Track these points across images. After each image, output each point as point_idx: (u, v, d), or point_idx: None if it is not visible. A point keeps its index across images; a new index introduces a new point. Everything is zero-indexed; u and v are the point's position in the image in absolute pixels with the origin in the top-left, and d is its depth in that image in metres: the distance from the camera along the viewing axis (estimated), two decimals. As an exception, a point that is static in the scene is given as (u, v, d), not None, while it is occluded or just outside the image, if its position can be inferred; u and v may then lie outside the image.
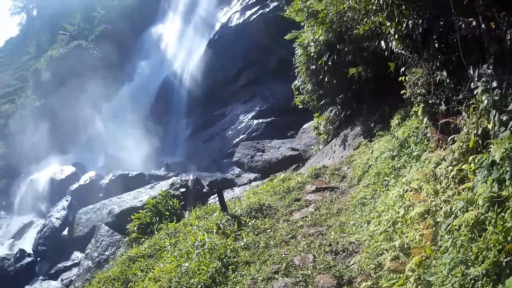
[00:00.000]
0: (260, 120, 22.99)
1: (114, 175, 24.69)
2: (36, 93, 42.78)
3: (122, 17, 42.71)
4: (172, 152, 27.80)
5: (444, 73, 5.81)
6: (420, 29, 6.12)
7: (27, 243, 23.81)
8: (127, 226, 12.53)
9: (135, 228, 12.11)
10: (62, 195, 25.52)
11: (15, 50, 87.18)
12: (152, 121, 29.98)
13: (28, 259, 20.87)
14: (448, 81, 5.77)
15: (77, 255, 19.30)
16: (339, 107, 12.09)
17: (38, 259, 21.10)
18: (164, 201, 13.04)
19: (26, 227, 28.43)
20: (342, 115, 11.91)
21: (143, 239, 10.41)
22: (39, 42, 69.24)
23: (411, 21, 6.32)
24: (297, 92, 14.26)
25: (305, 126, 16.99)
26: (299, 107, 14.15)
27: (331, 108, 12.51)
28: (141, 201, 15.22)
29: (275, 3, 24.88)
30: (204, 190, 17.79)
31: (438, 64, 5.89)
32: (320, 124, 13.43)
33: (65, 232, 21.29)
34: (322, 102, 12.81)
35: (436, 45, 5.85)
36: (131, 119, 30.81)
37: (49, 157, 33.90)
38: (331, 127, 12.62)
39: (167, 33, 37.37)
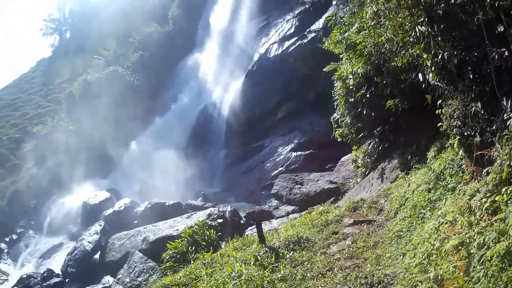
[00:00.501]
0: (299, 153, 23.24)
1: (150, 203, 25.12)
2: (70, 117, 43.80)
3: (158, 45, 43.96)
4: (210, 183, 28.18)
5: (479, 104, 5.95)
6: (455, 60, 6.34)
7: (56, 264, 24.50)
8: (162, 254, 12.71)
9: (170, 257, 12.32)
10: (94, 219, 26.14)
11: (47, 71, 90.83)
12: (190, 151, 30.40)
13: (56, 279, 21.44)
14: (482, 112, 5.89)
15: (108, 279, 19.57)
16: (377, 139, 12.30)
17: (67, 280, 21.60)
18: (201, 231, 13.17)
19: (55, 248, 29.35)
20: (380, 148, 12.10)
21: (178, 267, 10.64)
22: (73, 65, 71.58)
23: (446, 53, 6.55)
24: (336, 125, 14.44)
25: (343, 159, 17.27)
26: (338, 140, 14.37)
27: (369, 141, 12.72)
28: (177, 230, 15.54)
29: (313, 34, 25.40)
30: (242, 221, 17.94)
31: (472, 96, 6.05)
32: (358, 157, 13.61)
33: (97, 256, 21.72)
34: (360, 135, 12.98)
35: (471, 76, 6.03)
36: (168, 148, 31.40)
37: (82, 181, 34.88)
38: (369, 160, 12.80)
39: (205, 62, 38.28)
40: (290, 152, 23.80)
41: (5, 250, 33.36)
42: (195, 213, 18.00)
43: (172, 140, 32.56)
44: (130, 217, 25.52)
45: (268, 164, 24.56)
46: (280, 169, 23.16)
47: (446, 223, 6.14)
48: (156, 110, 38.44)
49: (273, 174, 23.17)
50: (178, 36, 44.55)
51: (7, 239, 35.40)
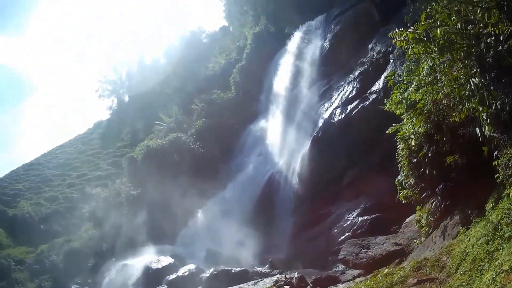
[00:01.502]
0: (365, 217, 23.64)
1: (215, 269, 25.66)
2: (132, 181, 45.31)
3: (222, 112, 45.59)
4: (277, 249, 28.52)
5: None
6: (507, 108, 7.06)
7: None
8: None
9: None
10: (156, 284, 27.06)
11: (106, 134, 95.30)
12: (257, 218, 31.22)
13: None
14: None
15: None
16: (439, 197, 12.78)
17: None
18: (268, 297, 13.77)
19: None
20: (442, 205, 12.56)
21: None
22: (134, 129, 74.88)
23: (499, 101, 7.31)
24: (400, 187, 14.99)
25: (407, 220, 17.71)
26: (403, 202, 14.95)
27: (432, 200, 13.21)
28: (243, 297, 16.12)
29: (374, 95, 26.35)
30: (308, 287, 18.44)
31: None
32: (422, 217, 14.02)
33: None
34: (423, 195, 13.55)
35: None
36: (234, 215, 32.52)
37: (145, 245, 35.93)
38: (432, 219, 13.22)
39: (270, 129, 39.68)
40: (357, 217, 24.22)
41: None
42: (261, 280, 18.68)
43: (239, 208, 33.68)
44: (194, 283, 25.98)
45: (335, 230, 24.98)
46: (347, 234, 23.59)
47: (502, 273, 6.68)
48: (222, 177, 39.46)
49: (340, 239, 23.60)
50: (241, 102, 46.30)
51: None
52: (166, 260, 30.92)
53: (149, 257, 32.88)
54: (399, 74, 14.84)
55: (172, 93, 66.29)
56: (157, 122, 55.73)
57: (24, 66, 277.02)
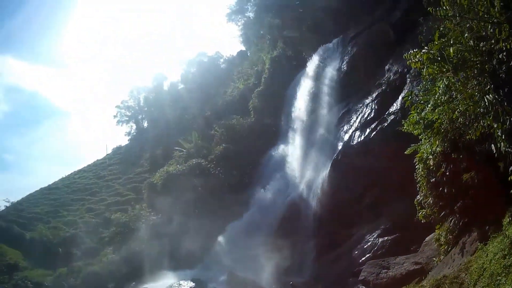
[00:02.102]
0: (385, 238, 23.76)
1: (237, 293, 25.75)
2: (152, 207, 46.17)
3: (241, 137, 46.05)
4: (298, 272, 28.70)
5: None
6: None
7: None
8: None
9: None
10: (179, 307, 27.13)
11: (125, 159, 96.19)
12: (279, 242, 31.27)
13: None
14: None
15: None
16: (457, 215, 13.00)
17: None
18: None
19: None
20: (460, 223, 12.82)
21: None
22: (153, 155, 75.78)
23: (512, 117, 7.66)
24: (419, 207, 15.31)
25: (427, 239, 17.92)
26: (422, 221, 15.23)
27: (450, 218, 13.44)
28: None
29: (392, 116, 26.68)
30: (329, 308, 18.73)
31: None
32: (441, 235, 14.23)
33: None
34: (442, 214, 13.80)
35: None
36: (256, 240, 32.89)
37: (165, 269, 36.31)
38: (450, 236, 13.43)
39: (290, 153, 40.19)
40: (377, 238, 24.37)
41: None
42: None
43: (260, 232, 34.07)
44: (215, 307, 26.04)
45: (356, 252, 25.09)
46: (368, 255, 23.69)
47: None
48: (243, 202, 39.86)
49: (360, 261, 23.67)
50: (261, 127, 46.79)
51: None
52: (187, 285, 31.05)
53: (169, 282, 33.10)
54: (416, 94, 15.16)
55: (191, 118, 67.12)
56: (176, 148, 56.31)
57: (46, 92, 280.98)
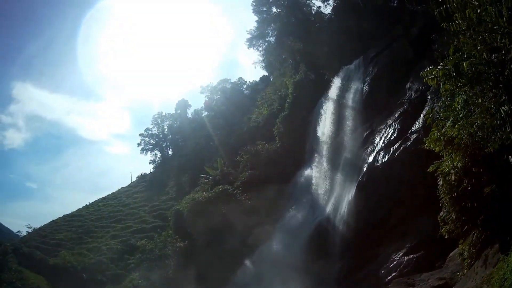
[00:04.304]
0: (411, 256, 23.93)
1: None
2: (178, 233, 46.49)
3: (267, 163, 46.21)
4: None
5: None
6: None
7: None
8: None
9: None
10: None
11: (150, 187, 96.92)
12: (305, 265, 31.58)
13: None
14: None
15: None
16: (480, 229, 13.27)
17: None
18: None
19: None
20: (483, 236, 13.07)
21: None
22: (178, 183, 76.33)
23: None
24: (443, 223, 15.60)
25: (451, 254, 18.07)
26: (446, 237, 15.47)
27: (473, 232, 13.70)
28: None
29: (415, 135, 26.97)
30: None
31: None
32: (464, 250, 14.44)
33: None
34: (465, 228, 14.06)
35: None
36: (283, 264, 33.35)
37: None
38: (473, 250, 13.65)
39: (316, 177, 40.49)
40: (403, 257, 24.53)
41: None
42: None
43: (288, 256, 34.26)
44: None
45: (382, 271, 25.22)
46: (394, 274, 23.87)
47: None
48: (270, 227, 40.04)
49: (387, 280, 23.86)
50: (286, 152, 47.10)
51: None
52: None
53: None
54: (437, 111, 15.50)
55: (216, 145, 67.81)
56: (202, 175, 56.79)
57: (68, 120, 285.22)
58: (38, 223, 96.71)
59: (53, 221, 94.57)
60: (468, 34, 9.98)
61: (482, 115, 10.34)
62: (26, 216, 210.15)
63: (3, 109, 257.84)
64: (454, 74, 10.06)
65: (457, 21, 9.78)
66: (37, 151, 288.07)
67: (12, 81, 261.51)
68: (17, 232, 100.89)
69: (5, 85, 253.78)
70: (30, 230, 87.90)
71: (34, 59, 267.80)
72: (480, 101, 10.32)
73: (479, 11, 9.07)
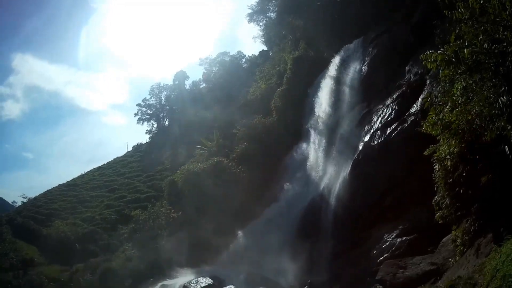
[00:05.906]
0: (403, 238, 24.01)
1: (255, 291, 25.98)
2: (172, 204, 46.38)
3: (263, 136, 46.08)
4: (317, 272, 28.74)
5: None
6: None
7: None
8: None
9: None
10: (195, 304, 27.41)
11: (146, 157, 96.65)
12: (298, 241, 31.80)
13: None
14: None
15: None
16: (474, 216, 13.26)
17: None
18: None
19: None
20: (476, 224, 13.07)
21: None
22: (174, 153, 76.15)
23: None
24: (437, 208, 15.59)
25: (444, 240, 18.20)
26: (440, 222, 15.47)
27: (466, 219, 13.71)
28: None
29: (412, 117, 26.87)
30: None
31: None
32: (457, 237, 14.47)
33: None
34: (458, 214, 14.06)
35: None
36: (275, 239, 33.37)
37: (184, 266, 36.72)
38: (466, 238, 13.67)
39: (311, 153, 40.54)
40: (395, 238, 24.60)
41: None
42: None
43: (279, 231, 34.36)
44: (233, 305, 26.27)
45: (374, 252, 25.34)
46: (386, 255, 23.96)
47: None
48: (263, 201, 40.21)
49: (378, 260, 23.96)
50: (283, 127, 46.89)
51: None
52: (205, 281, 31.42)
53: (187, 278, 33.46)
54: (436, 95, 15.35)
55: (213, 117, 67.47)
56: (198, 146, 56.64)
57: (66, 91, 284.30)
58: (33, 194, 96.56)
59: (48, 191, 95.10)
60: (470, 23, 9.85)
61: (481, 103, 10.24)
62: (22, 188, 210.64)
63: (2, 80, 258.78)
64: (454, 60, 9.94)
65: (459, 10, 9.65)
66: (35, 121, 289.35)
67: (12, 52, 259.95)
68: (12, 202, 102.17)
69: (6, 57, 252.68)
70: (25, 200, 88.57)
71: (36, 30, 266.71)
72: (479, 89, 10.20)
73: (482, 1, 8.92)
